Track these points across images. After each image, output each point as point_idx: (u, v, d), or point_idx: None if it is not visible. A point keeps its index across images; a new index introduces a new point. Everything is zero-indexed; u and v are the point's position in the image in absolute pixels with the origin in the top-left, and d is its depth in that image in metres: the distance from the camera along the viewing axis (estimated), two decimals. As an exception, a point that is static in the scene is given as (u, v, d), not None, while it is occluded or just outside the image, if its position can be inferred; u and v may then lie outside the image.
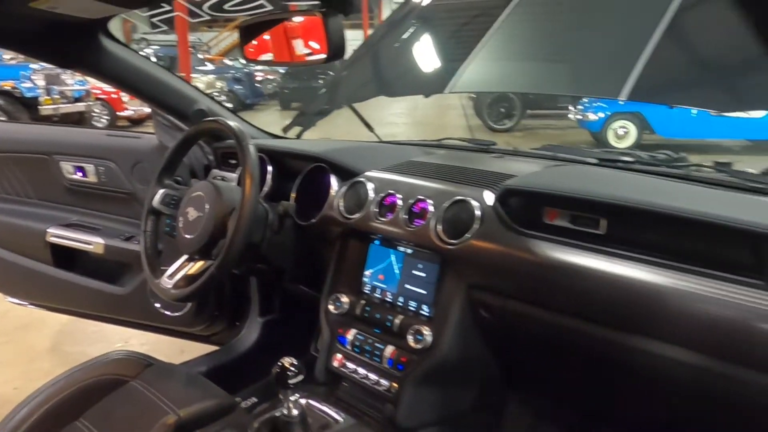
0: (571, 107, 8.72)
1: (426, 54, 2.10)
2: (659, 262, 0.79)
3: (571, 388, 1.08)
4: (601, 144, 7.71)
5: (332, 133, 1.90)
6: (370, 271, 1.16)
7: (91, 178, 1.83)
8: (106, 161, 1.79)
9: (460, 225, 1.00)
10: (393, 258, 1.12)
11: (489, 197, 1.00)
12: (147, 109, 5.25)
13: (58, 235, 1.84)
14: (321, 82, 11.49)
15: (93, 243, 1.81)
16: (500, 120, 9.95)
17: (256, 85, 13.43)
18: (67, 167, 1.85)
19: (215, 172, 1.60)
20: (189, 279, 1.17)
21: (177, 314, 1.83)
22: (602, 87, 1.63)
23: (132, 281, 1.87)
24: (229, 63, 14.62)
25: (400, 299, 1.09)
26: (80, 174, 1.84)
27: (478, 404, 1.11)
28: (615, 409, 1.03)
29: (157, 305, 1.84)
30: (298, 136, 1.83)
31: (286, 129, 1.83)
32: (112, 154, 1.78)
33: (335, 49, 0.70)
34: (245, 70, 13.07)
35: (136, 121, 9.31)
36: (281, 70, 13.50)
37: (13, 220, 1.91)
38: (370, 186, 1.17)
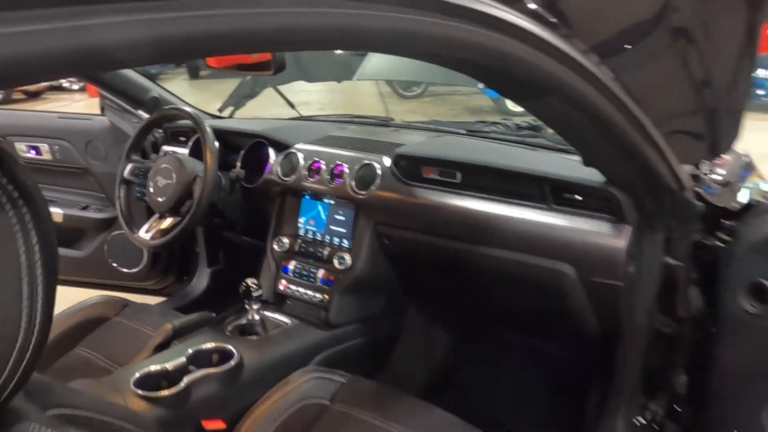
0: (473, 74, 9.28)
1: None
2: (491, 198, 1.26)
3: (450, 293, 1.56)
4: (501, 108, 8.38)
5: (260, 112, 2.25)
6: (303, 218, 1.57)
7: (46, 156, 2.07)
8: (60, 141, 2.04)
9: (367, 180, 1.43)
10: (320, 208, 1.54)
11: (387, 161, 1.43)
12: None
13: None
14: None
15: (52, 213, 2.07)
16: (409, 87, 10.41)
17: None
18: (20, 146, 2.08)
19: (165, 148, 1.92)
20: (163, 232, 1.52)
21: (133, 270, 2.14)
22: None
23: (90, 245, 2.14)
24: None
25: (327, 237, 1.52)
26: (34, 152, 2.08)
27: (386, 309, 1.57)
28: (476, 301, 1.52)
29: (114, 264, 2.14)
30: (231, 115, 2.17)
31: (221, 109, 2.16)
32: (66, 134, 2.04)
33: (278, 66, 1.07)
34: (148, 38, 12.62)
35: (33, 94, 8.95)
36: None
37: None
38: (300, 155, 1.56)
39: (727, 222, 1.15)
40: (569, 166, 1.23)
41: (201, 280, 2.13)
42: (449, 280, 1.47)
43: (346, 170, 1.47)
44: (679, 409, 1.27)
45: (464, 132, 1.66)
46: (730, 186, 1.17)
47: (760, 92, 8.59)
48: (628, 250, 1.13)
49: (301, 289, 1.52)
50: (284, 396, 1.20)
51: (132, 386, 1.09)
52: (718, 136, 1.08)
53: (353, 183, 1.44)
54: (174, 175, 1.50)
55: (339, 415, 1.16)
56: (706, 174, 1.18)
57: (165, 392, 1.09)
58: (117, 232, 2.05)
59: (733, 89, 1.01)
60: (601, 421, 1.33)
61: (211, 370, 1.18)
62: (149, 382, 1.11)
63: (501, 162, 1.28)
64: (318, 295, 1.49)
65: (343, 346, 1.45)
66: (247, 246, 1.85)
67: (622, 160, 0.95)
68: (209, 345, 1.24)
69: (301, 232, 1.56)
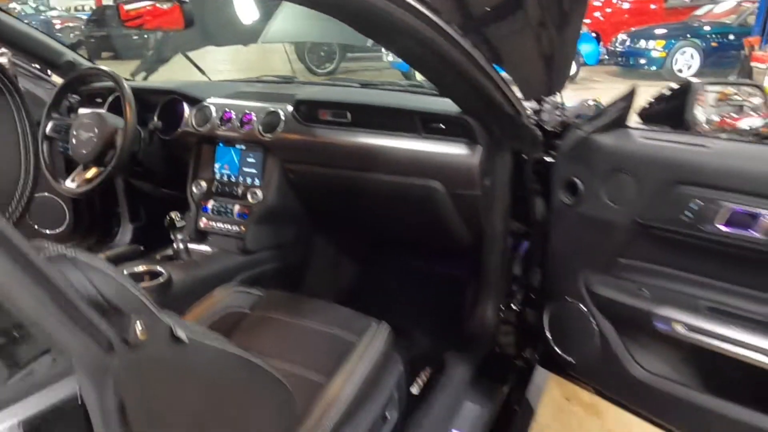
0: (384, 50, 9.61)
1: (243, 7, 2.63)
2: (375, 132, 1.54)
3: (349, 220, 1.83)
4: (411, 80, 8.77)
5: (171, 78, 2.40)
6: (218, 164, 1.78)
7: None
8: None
9: (273, 125, 1.66)
10: (233, 153, 1.75)
11: (289, 108, 1.67)
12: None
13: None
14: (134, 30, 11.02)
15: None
16: (322, 64, 10.52)
17: (56, 34, 12.39)
18: None
19: (82, 110, 2.04)
20: (87, 181, 1.68)
21: (56, 231, 2.25)
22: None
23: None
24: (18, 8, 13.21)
25: (240, 177, 1.74)
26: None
27: (296, 237, 1.82)
28: (370, 224, 1.80)
29: (36, 226, 2.24)
30: (144, 80, 2.31)
31: (134, 74, 2.30)
32: None
33: (188, 22, 1.27)
34: (41, 17, 11.98)
35: None
36: (84, 16, 12.57)
37: None
38: (212, 107, 1.77)
39: (556, 141, 1.49)
40: (437, 103, 1.52)
41: (124, 237, 2.27)
42: (346, 206, 1.74)
43: (254, 117, 1.69)
44: (533, 296, 1.61)
45: (357, 85, 1.91)
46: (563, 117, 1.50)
47: (642, 61, 9.47)
48: (481, 166, 1.44)
49: (220, 224, 1.73)
50: (208, 307, 1.43)
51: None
52: (552, 77, 1.40)
53: (260, 128, 1.67)
54: (96, 129, 1.66)
55: (257, 319, 1.40)
56: (544, 108, 1.50)
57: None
58: (38, 194, 2.16)
59: (563, 35, 1.31)
60: (474, 313, 1.66)
61: (143, 284, 1.38)
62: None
63: (382, 102, 1.55)
64: (235, 227, 1.71)
65: (259, 270, 1.69)
66: (167, 199, 2.03)
67: (467, 92, 1.24)
68: (141, 268, 1.44)
69: (217, 176, 1.77)
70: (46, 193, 2.15)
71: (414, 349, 1.66)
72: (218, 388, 0.79)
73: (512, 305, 1.62)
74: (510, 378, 1.60)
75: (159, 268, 1.45)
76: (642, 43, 9.39)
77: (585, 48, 9.07)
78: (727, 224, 1.09)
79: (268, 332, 1.36)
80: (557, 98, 1.49)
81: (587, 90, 8.92)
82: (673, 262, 1.22)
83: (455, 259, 1.88)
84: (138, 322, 0.61)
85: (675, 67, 9.04)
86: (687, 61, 9.06)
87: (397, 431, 1.29)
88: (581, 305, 1.37)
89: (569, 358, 1.44)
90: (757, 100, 1.31)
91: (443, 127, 1.48)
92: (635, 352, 1.30)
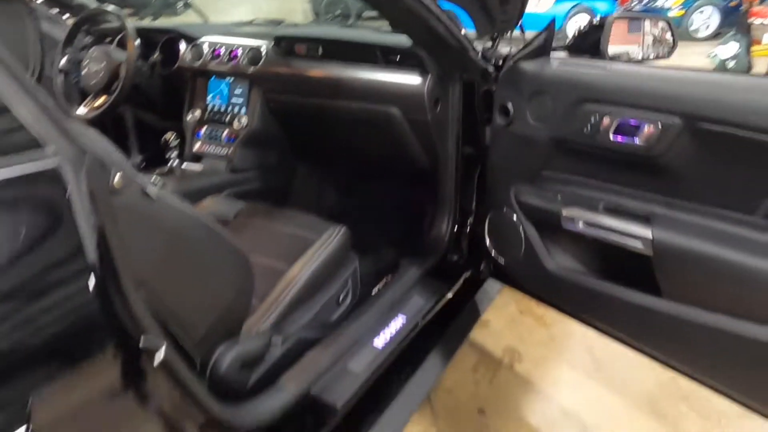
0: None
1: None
2: (342, 63, 1.75)
3: (323, 146, 2.06)
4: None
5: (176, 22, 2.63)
6: (210, 95, 2.01)
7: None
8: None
9: (256, 59, 1.88)
10: (223, 85, 1.98)
11: (270, 43, 1.88)
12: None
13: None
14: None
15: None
16: (337, 23, 10.62)
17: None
18: None
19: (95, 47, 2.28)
20: (96, 108, 1.93)
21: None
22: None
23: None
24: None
25: (229, 107, 1.97)
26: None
27: (279, 161, 2.06)
28: (341, 150, 2.03)
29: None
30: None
31: (141, 18, 2.53)
32: None
33: None
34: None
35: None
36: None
37: None
38: (205, 45, 1.99)
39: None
40: (396, 39, 1.72)
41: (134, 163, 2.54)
42: (320, 132, 1.97)
43: (240, 53, 1.91)
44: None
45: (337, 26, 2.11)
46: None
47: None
48: (430, 93, 1.65)
49: (211, 148, 1.98)
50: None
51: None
52: (505, 17, 1.58)
53: (245, 61, 1.90)
54: (103, 62, 1.90)
55: (238, 224, 1.66)
56: (498, 45, 1.69)
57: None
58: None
59: None
60: (431, 229, 1.89)
61: (172, 195, 1.64)
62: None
63: (349, 37, 1.76)
64: (224, 150, 1.96)
65: (245, 187, 1.94)
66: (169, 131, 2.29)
67: (415, 27, 1.45)
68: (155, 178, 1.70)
69: (209, 106, 2.01)
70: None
71: (379, 260, 1.90)
72: (180, 242, 1.03)
73: (466, 222, 1.85)
74: (457, 284, 1.84)
75: (154, 179, 1.71)
76: (660, 2, 9.27)
77: (601, 6, 9.00)
78: (616, 134, 1.29)
79: (245, 234, 1.62)
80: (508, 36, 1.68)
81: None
82: (580, 170, 1.42)
83: (420, 185, 2.10)
84: (118, 174, 0.86)
85: (691, 28, 8.93)
86: (705, 21, 8.94)
87: (350, 315, 1.54)
88: (512, 213, 1.59)
89: (501, 260, 1.67)
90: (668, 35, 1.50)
91: (399, 58, 1.69)
92: (551, 250, 1.53)
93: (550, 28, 1.46)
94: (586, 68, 1.38)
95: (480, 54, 1.67)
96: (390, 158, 1.95)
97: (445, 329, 1.76)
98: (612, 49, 1.52)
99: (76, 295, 0.71)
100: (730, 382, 1.26)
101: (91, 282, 0.68)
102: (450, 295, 1.81)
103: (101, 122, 2.41)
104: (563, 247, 1.52)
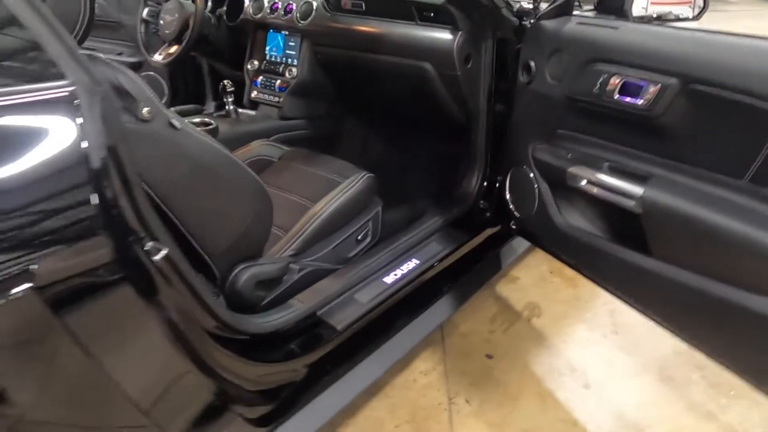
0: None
1: None
2: (383, 20, 1.85)
3: (369, 101, 2.18)
4: None
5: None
6: (269, 47, 2.19)
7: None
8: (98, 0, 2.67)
9: (308, 14, 2.02)
10: (279, 38, 2.15)
11: (316, 1, 2.01)
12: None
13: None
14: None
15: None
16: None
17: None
18: None
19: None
20: (170, 55, 2.16)
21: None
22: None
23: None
24: None
25: (283, 58, 2.14)
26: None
27: (327, 111, 2.21)
28: (384, 102, 2.14)
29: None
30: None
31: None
32: None
33: None
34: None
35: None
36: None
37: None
38: (267, 1, 2.16)
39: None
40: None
41: (208, 110, 2.80)
42: (363, 84, 2.09)
43: (294, 7, 2.06)
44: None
45: None
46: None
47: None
48: (459, 49, 1.71)
49: (266, 96, 2.17)
50: (245, 153, 1.89)
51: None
52: None
53: (298, 15, 2.04)
54: (176, 14, 2.12)
55: (279, 166, 1.84)
56: (534, 3, 1.72)
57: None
58: (145, 73, 2.71)
59: None
60: (461, 182, 1.97)
61: (196, 129, 1.85)
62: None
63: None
64: (276, 98, 2.14)
65: (293, 133, 2.12)
66: (237, 80, 2.50)
67: None
68: (197, 119, 1.92)
69: (267, 57, 2.19)
70: (151, 72, 2.70)
71: (408, 208, 2.02)
72: (202, 169, 1.21)
73: (496, 177, 1.91)
74: (481, 236, 1.92)
75: (210, 120, 1.92)
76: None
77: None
78: (622, 94, 1.31)
79: (283, 174, 1.80)
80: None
81: None
82: (590, 130, 1.45)
83: (456, 140, 2.17)
84: (146, 107, 1.04)
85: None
86: None
87: (367, 253, 1.69)
88: (529, 171, 1.65)
89: (518, 214, 1.74)
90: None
91: (433, 15, 1.75)
92: (561, 207, 1.58)
93: (571, -15, 1.47)
94: (599, 28, 1.39)
95: (515, 11, 1.71)
96: (427, 112, 2.03)
97: (461, 276, 1.87)
98: (654, 8, 1.50)
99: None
100: (709, 345, 1.28)
101: (94, 198, 0.84)
102: (471, 245, 1.90)
103: (182, 70, 2.70)
104: (571, 205, 1.56)
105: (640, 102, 1.28)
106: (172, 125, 1.14)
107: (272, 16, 2.13)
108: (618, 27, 1.35)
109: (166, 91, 2.74)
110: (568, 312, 2.05)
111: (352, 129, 2.34)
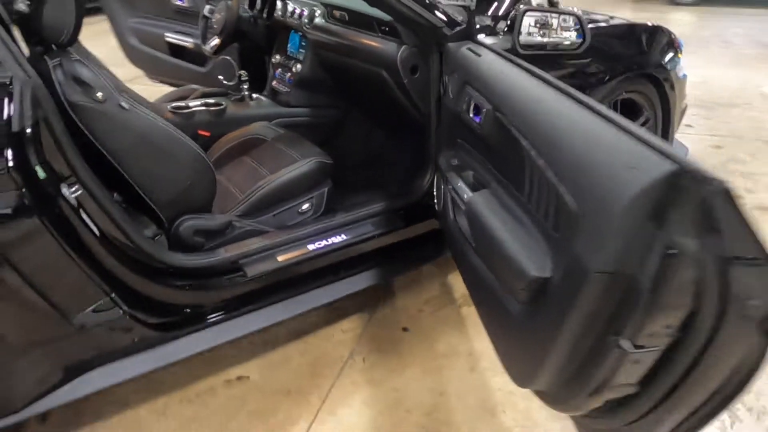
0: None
1: None
2: (359, 30, 2.16)
3: (356, 103, 2.49)
4: None
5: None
6: (290, 44, 2.60)
7: (187, 4, 3.34)
8: (189, -6, 3.28)
9: (312, 19, 2.39)
10: (297, 37, 2.55)
11: (322, 8, 2.37)
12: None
13: (170, 37, 3.43)
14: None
15: (191, 42, 3.37)
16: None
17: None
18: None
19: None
20: (213, 47, 2.67)
21: (231, 83, 3.38)
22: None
23: (209, 64, 3.43)
24: None
25: (296, 54, 2.54)
26: (180, 2, 3.36)
27: (327, 103, 2.58)
28: (366, 104, 2.44)
29: (220, 77, 3.40)
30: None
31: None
32: None
33: None
34: None
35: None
36: None
37: (147, 29, 3.52)
38: (290, 4, 2.57)
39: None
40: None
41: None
42: (348, 84, 2.41)
43: (305, 13, 2.45)
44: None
45: None
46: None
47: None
48: (403, 61, 1.97)
49: (280, 86, 2.59)
50: (244, 131, 2.34)
51: (168, 108, 2.30)
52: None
53: (305, 20, 2.43)
54: (222, 12, 2.62)
55: (267, 144, 2.25)
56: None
57: (181, 111, 2.29)
58: (222, 57, 3.28)
59: None
60: (414, 178, 2.22)
61: (206, 108, 2.34)
62: (177, 107, 2.31)
63: (362, 9, 2.14)
64: (286, 88, 2.55)
65: (295, 119, 2.52)
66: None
67: (382, 5, 1.80)
68: (211, 100, 2.41)
69: (288, 52, 2.61)
70: (227, 57, 3.26)
71: (362, 195, 2.30)
72: (146, 141, 1.66)
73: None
74: (418, 226, 2.17)
75: (223, 102, 2.40)
76: None
77: None
78: (473, 113, 1.52)
79: (262, 150, 2.21)
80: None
81: None
82: (468, 141, 1.66)
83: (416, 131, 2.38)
84: (99, 92, 1.51)
85: None
86: None
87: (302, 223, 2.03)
88: (442, 173, 1.88)
89: (438, 209, 1.98)
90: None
91: (387, 29, 2.03)
92: (456, 209, 1.80)
93: (471, 14, 1.67)
94: (472, 55, 1.59)
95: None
96: (395, 113, 2.31)
97: (393, 258, 2.14)
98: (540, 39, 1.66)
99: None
100: (490, 333, 1.48)
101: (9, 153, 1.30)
102: (411, 232, 2.16)
103: (247, 57, 3.21)
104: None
105: (478, 120, 1.48)
106: (121, 107, 1.61)
107: (291, 19, 2.53)
108: (480, 55, 1.55)
109: (236, 72, 3.29)
110: (498, 307, 2.22)
111: (342, 120, 2.67)
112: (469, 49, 1.64)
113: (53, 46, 1.58)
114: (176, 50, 3.49)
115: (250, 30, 2.70)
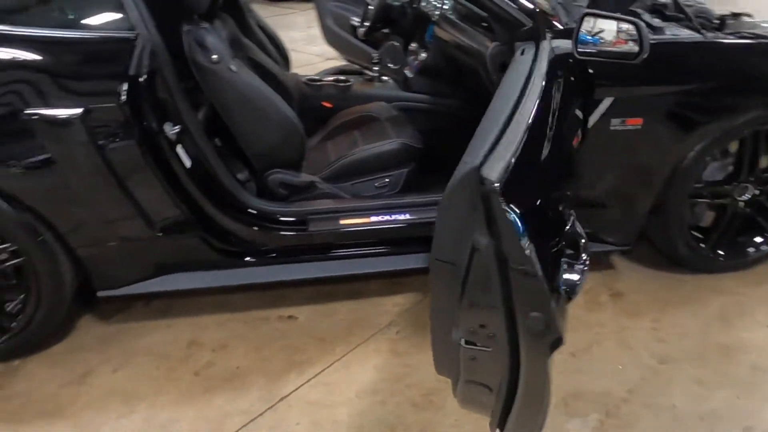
0: None
1: None
2: (468, 25, 2.23)
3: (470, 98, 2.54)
4: None
5: None
6: (427, 34, 2.76)
7: None
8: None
9: (437, 10, 2.52)
10: (431, 28, 2.70)
11: (449, 2, 2.47)
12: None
13: (354, 20, 3.82)
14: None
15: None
16: None
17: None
18: None
19: None
20: (366, 31, 2.94)
21: (397, 66, 3.66)
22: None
23: (380, 49, 3.74)
24: None
25: (426, 42, 2.69)
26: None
27: (449, 93, 2.68)
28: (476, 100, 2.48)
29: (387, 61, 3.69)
30: None
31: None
32: None
33: None
34: None
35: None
36: None
37: (340, 11, 3.96)
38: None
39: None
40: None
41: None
42: (460, 76, 2.48)
43: (437, 5, 2.58)
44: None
45: None
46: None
47: None
48: (492, 59, 2.00)
49: (408, 71, 2.78)
50: (361, 108, 2.59)
51: (303, 79, 2.66)
52: None
53: (436, 11, 2.56)
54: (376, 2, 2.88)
55: (377, 123, 2.47)
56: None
57: (312, 83, 2.63)
58: (390, 42, 3.56)
59: None
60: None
61: (334, 83, 2.64)
62: (311, 80, 2.66)
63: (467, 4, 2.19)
64: (411, 74, 2.73)
65: (413, 104, 2.69)
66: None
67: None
68: (343, 77, 2.70)
69: (423, 41, 2.77)
70: (395, 43, 3.54)
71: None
72: (245, 99, 2.01)
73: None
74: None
75: (352, 80, 2.68)
76: None
77: None
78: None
79: (368, 125, 2.44)
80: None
81: None
82: None
83: None
84: (214, 55, 1.91)
85: None
86: None
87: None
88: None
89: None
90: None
91: (486, 25, 2.07)
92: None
93: (538, 15, 1.66)
94: (517, 56, 1.58)
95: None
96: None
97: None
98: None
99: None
100: None
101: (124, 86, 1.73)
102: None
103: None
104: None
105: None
106: (230, 69, 1.98)
107: (427, 8, 2.69)
108: (521, 55, 1.54)
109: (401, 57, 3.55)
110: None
111: (457, 110, 2.72)
112: (522, 52, 1.63)
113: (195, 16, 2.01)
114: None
115: (399, 18, 2.92)
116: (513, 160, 0.88)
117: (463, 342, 0.92)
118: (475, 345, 0.90)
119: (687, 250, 2.25)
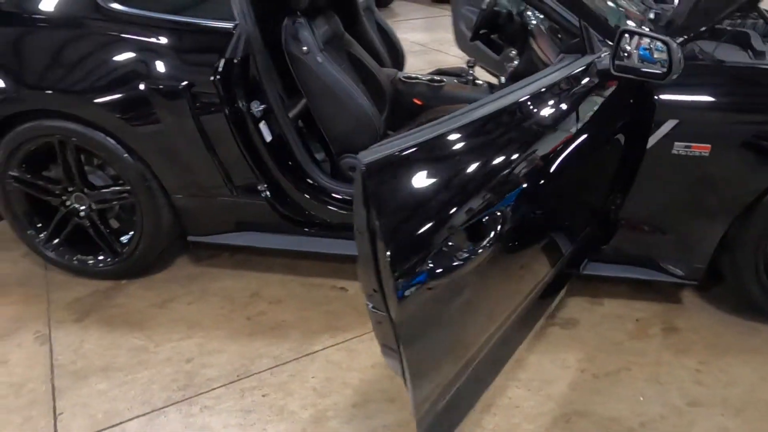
0: None
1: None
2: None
3: None
4: None
5: None
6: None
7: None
8: None
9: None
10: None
11: None
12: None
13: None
14: None
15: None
16: None
17: None
18: None
19: None
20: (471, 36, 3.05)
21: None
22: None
23: (502, 54, 3.81)
24: None
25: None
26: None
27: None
28: None
29: (506, 64, 3.75)
30: None
31: None
32: None
33: None
34: None
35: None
36: None
37: (472, 16, 4.08)
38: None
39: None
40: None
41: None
42: None
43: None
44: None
45: None
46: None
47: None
48: None
49: (503, 78, 2.83)
50: (450, 108, 2.71)
51: (399, 77, 2.86)
52: None
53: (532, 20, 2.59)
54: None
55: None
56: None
57: (407, 80, 2.82)
58: (511, 48, 3.61)
59: None
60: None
61: (428, 82, 2.80)
62: (407, 77, 2.85)
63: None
64: (503, 80, 2.78)
65: (500, 110, 2.75)
66: None
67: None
68: (437, 77, 2.85)
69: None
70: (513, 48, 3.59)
71: None
72: (326, 88, 2.29)
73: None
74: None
75: (445, 80, 2.82)
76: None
77: None
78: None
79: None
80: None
81: None
82: None
83: None
84: (305, 47, 2.22)
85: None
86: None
87: None
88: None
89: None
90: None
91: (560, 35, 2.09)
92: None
93: (584, 29, 1.67)
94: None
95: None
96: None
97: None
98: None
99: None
100: None
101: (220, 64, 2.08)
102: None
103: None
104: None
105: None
106: (317, 60, 2.27)
107: (528, 17, 2.72)
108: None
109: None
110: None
111: None
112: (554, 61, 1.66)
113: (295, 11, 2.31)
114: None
115: (504, 24, 2.98)
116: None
117: (370, 307, 1.05)
118: (378, 310, 1.04)
119: (762, 295, 2.06)
